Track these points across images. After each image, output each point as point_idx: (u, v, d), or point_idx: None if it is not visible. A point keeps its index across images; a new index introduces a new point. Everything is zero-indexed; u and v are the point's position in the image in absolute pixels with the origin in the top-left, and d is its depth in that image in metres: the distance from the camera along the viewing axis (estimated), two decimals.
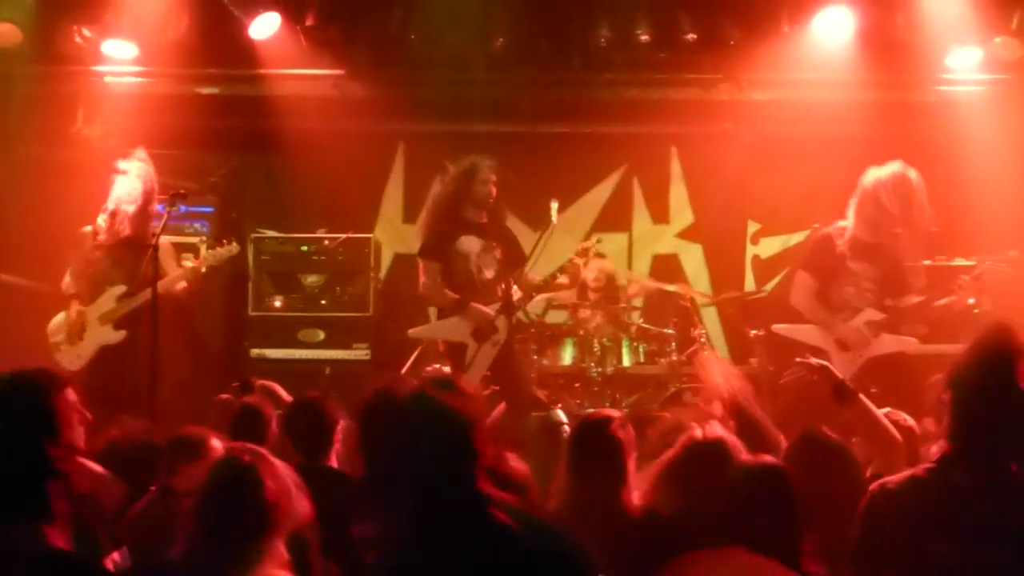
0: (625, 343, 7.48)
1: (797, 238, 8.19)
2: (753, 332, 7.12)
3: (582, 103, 7.66)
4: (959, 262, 6.78)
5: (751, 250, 8.67)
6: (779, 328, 6.30)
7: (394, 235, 8.59)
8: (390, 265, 8.49)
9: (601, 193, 8.62)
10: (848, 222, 6.06)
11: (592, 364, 7.22)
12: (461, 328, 6.44)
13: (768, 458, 3.06)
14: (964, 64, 7.60)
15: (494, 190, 6.49)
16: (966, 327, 6.71)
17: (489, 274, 6.49)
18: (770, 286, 8.38)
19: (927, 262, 6.95)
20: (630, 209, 8.66)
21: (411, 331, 6.88)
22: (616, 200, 8.59)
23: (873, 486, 2.98)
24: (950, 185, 7.03)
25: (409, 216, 8.69)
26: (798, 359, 4.12)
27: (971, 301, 6.49)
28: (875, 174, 5.99)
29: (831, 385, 3.66)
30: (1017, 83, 7.50)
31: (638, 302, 7.88)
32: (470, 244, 6.49)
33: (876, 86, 7.67)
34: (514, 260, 6.61)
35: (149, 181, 6.41)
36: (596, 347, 7.26)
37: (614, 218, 8.46)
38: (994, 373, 2.84)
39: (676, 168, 8.69)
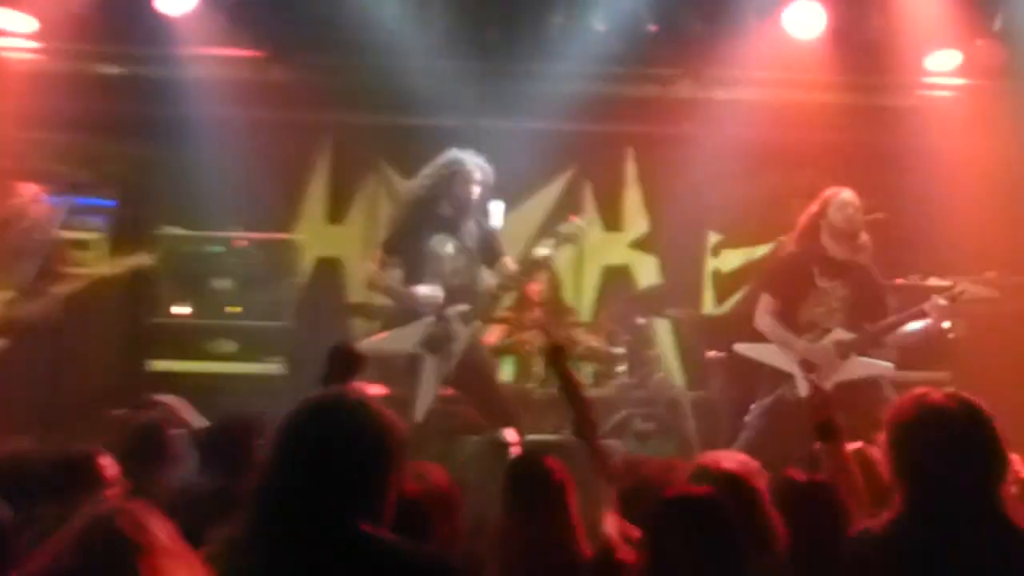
0: (571, 363, 7.40)
1: (761, 251, 8.28)
2: (711, 353, 7.11)
3: (529, 97, 7.58)
4: (934, 282, 6.82)
5: (711, 263, 8.79)
6: (741, 348, 6.32)
7: (317, 237, 8.53)
8: (312, 270, 8.47)
9: (548, 197, 8.67)
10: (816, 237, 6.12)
11: (535, 384, 7.24)
12: (410, 338, 6.16)
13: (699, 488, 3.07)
14: (943, 67, 7.71)
15: (476, 190, 6.25)
16: (940, 353, 6.84)
17: (457, 281, 6.25)
18: (730, 303, 8.42)
19: (900, 281, 7.04)
20: (580, 215, 8.35)
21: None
22: (564, 205, 8.58)
23: (854, 533, 3.08)
24: (925, 197, 7.24)
25: (335, 216, 8.78)
26: (812, 381, 4.05)
27: (946, 325, 6.54)
28: (833, 190, 6.14)
29: (821, 418, 3.59)
30: (999, 88, 7.60)
31: (586, 318, 7.96)
32: (442, 245, 6.25)
33: (848, 88, 7.77)
34: (492, 257, 6.37)
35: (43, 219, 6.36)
36: (539, 366, 7.25)
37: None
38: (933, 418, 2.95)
39: (631, 171, 8.74)
